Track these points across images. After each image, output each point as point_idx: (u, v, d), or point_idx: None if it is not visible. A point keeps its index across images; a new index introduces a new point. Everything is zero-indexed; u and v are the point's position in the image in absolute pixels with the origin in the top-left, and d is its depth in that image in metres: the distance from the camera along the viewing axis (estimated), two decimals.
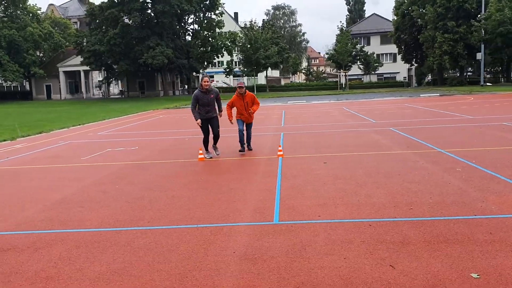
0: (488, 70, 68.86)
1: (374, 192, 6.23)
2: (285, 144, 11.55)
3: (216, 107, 9.78)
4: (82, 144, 13.68)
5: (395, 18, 63.87)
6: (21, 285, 3.83)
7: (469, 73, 67.84)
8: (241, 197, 6.40)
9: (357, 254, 4.12)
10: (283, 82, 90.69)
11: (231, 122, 10.34)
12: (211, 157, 9.75)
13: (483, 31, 44.23)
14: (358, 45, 65.45)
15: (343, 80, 77.70)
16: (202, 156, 9.82)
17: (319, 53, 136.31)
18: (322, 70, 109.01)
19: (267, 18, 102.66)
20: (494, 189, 6.14)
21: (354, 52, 63.24)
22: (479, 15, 45.96)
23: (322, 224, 5.02)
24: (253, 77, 75.46)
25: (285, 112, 23.78)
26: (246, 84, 10.95)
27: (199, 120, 9.47)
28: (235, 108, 10.28)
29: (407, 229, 4.72)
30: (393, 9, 65.93)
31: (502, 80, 61.23)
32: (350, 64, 63.03)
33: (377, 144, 10.85)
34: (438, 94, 34.98)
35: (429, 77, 76.02)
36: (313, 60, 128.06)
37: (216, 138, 9.95)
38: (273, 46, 62.31)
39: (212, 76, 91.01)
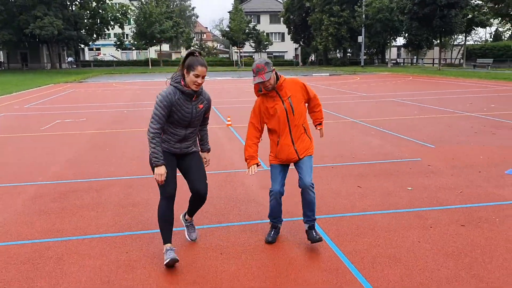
0: (365, 52, 76.08)
1: (328, 148, 8.44)
2: (225, 116, 13.35)
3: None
4: (20, 117, 14.13)
5: (285, 0, 67.55)
6: (110, 209, 5.32)
7: (348, 54, 74.21)
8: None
9: (337, 182, 6.22)
10: (174, 56, 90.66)
11: (252, 172, 4.08)
12: (173, 260, 3.83)
13: (364, 16, 49.24)
14: (251, 24, 68.06)
15: (234, 57, 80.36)
16: None
17: (206, 28, 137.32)
18: (214, 46, 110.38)
19: None
20: (403, 144, 8.68)
21: (247, 30, 65.84)
22: (360, 1, 50.97)
23: None
24: (144, 51, 74.89)
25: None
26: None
27: (162, 169, 3.77)
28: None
29: (359, 167, 6.96)
30: None
31: (377, 62, 68.35)
32: (244, 41, 65.52)
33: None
34: (328, 74, 38.86)
35: (313, 57, 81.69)
36: (201, 35, 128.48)
37: (199, 201, 4.14)
38: (168, 21, 62.41)
39: (99, 49, 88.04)
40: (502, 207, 5.11)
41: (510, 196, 5.48)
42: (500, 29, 62.94)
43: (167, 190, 3.83)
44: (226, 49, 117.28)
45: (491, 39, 64.48)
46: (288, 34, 70.22)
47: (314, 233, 4.06)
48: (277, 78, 3.98)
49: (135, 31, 62.49)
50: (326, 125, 11.18)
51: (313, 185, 3.99)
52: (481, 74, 31.71)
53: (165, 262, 3.75)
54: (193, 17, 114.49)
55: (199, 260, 3.97)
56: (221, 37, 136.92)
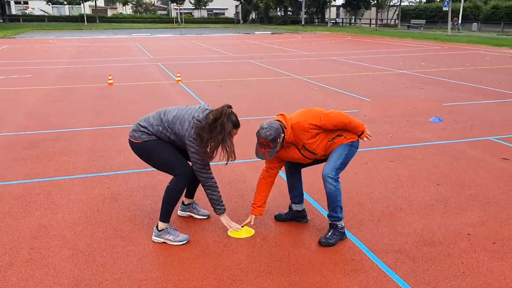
0: (305, 11, 76.85)
1: (275, 102, 9.17)
2: (174, 73, 13.72)
3: None
4: None
5: None
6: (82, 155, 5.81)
7: (289, 13, 74.70)
8: None
9: None
10: (110, 12, 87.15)
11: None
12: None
13: None
14: None
15: (173, 14, 78.52)
16: (111, 81, 11.49)
17: None
18: (152, 2, 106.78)
19: None
20: (342, 98, 9.58)
21: None
22: None
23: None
24: (77, 6, 71.48)
25: (141, 45, 25.12)
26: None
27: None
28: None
29: None
30: None
31: (316, 21, 69.44)
32: None
33: (252, 73, 13.78)
34: (270, 32, 39.34)
35: (253, 15, 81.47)
36: None
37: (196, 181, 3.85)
38: None
39: (26, 2, 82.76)
40: (425, 147, 6.10)
41: (431, 138, 6.50)
42: None
43: (186, 169, 3.55)
44: (164, 6, 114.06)
45: (425, 0, 67.12)
46: None
47: (327, 234, 3.57)
48: (283, 132, 3.40)
49: None
50: (272, 81, 11.94)
51: (333, 177, 3.46)
52: (414, 35, 33.46)
53: (184, 242, 3.56)
54: None
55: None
56: None
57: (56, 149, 6.05)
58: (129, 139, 3.63)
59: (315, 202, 4.34)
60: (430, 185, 4.73)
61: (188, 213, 4.07)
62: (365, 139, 3.56)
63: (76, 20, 63.92)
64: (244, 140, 6.48)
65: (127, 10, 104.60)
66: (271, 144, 3.33)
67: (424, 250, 3.43)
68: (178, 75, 12.11)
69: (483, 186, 4.71)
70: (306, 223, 3.94)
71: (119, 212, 4.14)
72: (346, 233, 3.64)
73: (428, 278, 3.07)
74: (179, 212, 4.08)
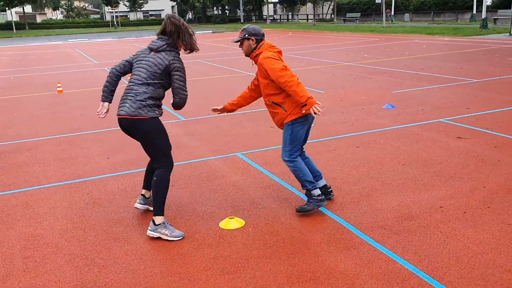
0: (242, 8, 77.27)
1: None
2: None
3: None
4: None
5: None
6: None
7: (226, 11, 74.81)
8: None
9: (249, 125, 7.15)
10: (39, 18, 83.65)
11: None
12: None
13: None
14: None
15: (108, 18, 76.53)
16: (60, 88, 11.18)
17: None
18: (83, 6, 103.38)
19: None
20: None
21: None
22: None
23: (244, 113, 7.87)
24: (2, 13, 68.10)
25: (81, 50, 24.42)
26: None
27: None
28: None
29: (265, 112, 7.95)
30: None
31: (254, 18, 70.02)
32: (118, 0, 62.67)
33: (205, 72, 13.80)
34: (211, 31, 39.31)
35: (190, 15, 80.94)
36: None
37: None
38: None
39: None
40: (384, 132, 6.47)
41: (388, 124, 6.89)
42: None
43: (172, 160, 3.83)
44: (97, 9, 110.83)
45: None
46: None
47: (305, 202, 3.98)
48: (255, 48, 3.88)
49: None
50: (224, 79, 12.05)
51: (287, 159, 3.90)
52: (351, 28, 34.62)
53: (180, 238, 3.63)
54: None
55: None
56: None
57: (20, 160, 5.90)
58: (131, 118, 3.52)
59: (290, 187, 4.54)
60: (397, 166, 5.07)
61: (147, 206, 4.11)
62: (312, 113, 3.69)
63: (3, 28, 60.83)
64: (215, 137, 6.61)
65: (57, 15, 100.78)
66: (241, 32, 3.92)
67: (405, 224, 3.71)
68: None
69: (445, 163, 5.10)
70: (330, 199, 4.22)
71: (106, 216, 4.15)
72: (323, 199, 3.98)
73: (414, 248, 3.34)
74: (137, 205, 4.08)
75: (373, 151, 5.65)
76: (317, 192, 3.93)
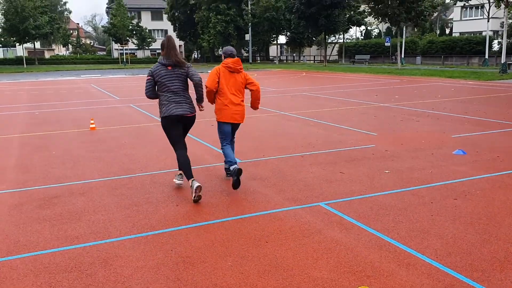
0: (247, 49, 77.94)
1: (282, 139, 8.78)
2: (155, 114, 13.04)
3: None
4: None
5: None
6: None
7: None
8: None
9: (318, 170, 6.59)
10: (47, 54, 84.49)
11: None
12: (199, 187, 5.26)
13: (250, 16, 50.60)
14: (135, 20, 66.06)
15: (115, 55, 77.32)
16: (93, 125, 10.68)
17: (78, 24, 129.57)
18: (91, 42, 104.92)
19: None
20: (346, 133, 9.36)
21: (130, 27, 63.72)
22: (246, 0, 52.28)
23: (280, 158, 7.32)
24: (12, 48, 68.73)
25: (98, 86, 24.13)
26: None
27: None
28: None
29: (325, 156, 7.41)
30: None
31: (259, 59, 70.59)
32: (127, 38, 63.31)
33: None
34: None
35: (195, 54, 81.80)
36: (77, 32, 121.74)
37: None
38: (43, 16, 57.96)
39: None
40: (473, 181, 5.90)
41: (471, 172, 6.33)
42: (369, 28, 68.84)
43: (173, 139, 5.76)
44: (102, 46, 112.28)
45: (362, 37, 70.24)
46: (174, 31, 69.33)
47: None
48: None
49: (4, 26, 56.92)
50: (263, 118, 11.50)
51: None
52: (365, 69, 34.63)
53: (178, 182, 5.94)
54: (66, 13, 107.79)
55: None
56: (93, 34, 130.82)
57: (79, 206, 5.29)
58: (189, 116, 5.61)
59: (406, 247, 3.92)
60: None
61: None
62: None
63: (12, 63, 61.17)
64: (284, 183, 6.03)
65: (62, 51, 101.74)
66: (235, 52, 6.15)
67: None
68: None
69: None
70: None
71: (205, 279, 3.52)
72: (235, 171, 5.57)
73: None
74: (178, 182, 5.98)
75: (477, 204, 5.06)
76: (235, 167, 5.67)
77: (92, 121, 10.76)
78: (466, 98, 15.18)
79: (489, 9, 33.58)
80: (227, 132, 6.01)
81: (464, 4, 33.87)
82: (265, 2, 46.08)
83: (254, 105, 6.32)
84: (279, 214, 4.91)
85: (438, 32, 63.15)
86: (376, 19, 32.16)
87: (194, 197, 5.23)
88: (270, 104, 14.53)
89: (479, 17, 53.99)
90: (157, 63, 5.53)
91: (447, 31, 64.00)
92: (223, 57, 5.97)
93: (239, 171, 5.55)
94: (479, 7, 51.88)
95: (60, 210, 5.17)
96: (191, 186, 5.29)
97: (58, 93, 20.44)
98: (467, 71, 28.48)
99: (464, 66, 38.62)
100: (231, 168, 5.66)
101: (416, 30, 52.91)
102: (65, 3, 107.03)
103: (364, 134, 9.21)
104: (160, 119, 5.66)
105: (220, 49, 75.86)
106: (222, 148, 6.01)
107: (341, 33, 50.25)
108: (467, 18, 55.62)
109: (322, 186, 5.86)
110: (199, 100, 5.73)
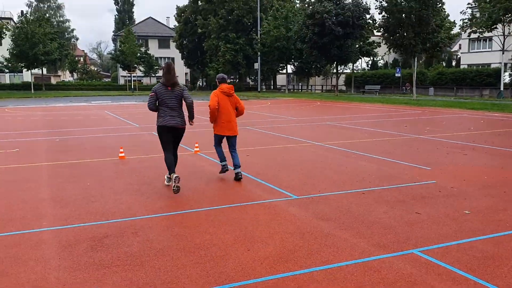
0: (253, 78, 77.86)
1: (330, 172, 8.18)
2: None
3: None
4: None
5: (178, 25, 67.13)
6: None
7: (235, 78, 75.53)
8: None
9: (387, 209, 5.96)
10: (54, 80, 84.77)
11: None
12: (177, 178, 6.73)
13: (259, 44, 50.68)
14: (143, 48, 66.34)
15: (121, 81, 77.50)
16: (123, 154, 10.10)
17: (83, 50, 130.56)
18: (96, 69, 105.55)
19: (30, 10, 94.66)
20: (396, 167, 8.76)
21: (138, 54, 63.90)
22: (256, 29, 52.50)
23: (356, 193, 6.71)
24: (19, 74, 68.86)
25: (112, 113, 23.67)
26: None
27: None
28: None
29: (386, 193, 6.79)
30: (175, 16, 69.17)
31: (265, 88, 70.46)
32: (135, 65, 63.41)
33: (263, 141, 12.79)
34: None
35: (200, 82, 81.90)
36: (84, 58, 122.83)
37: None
38: (53, 42, 58.18)
39: None
40: None
41: None
42: (375, 59, 68.96)
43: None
44: (107, 73, 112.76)
45: (368, 68, 70.37)
46: (182, 59, 69.59)
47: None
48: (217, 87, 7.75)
49: (13, 52, 57.02)
50: (299, 148, 10.87)
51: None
52: (378, 99, 34.28)
53: (174, 185, 6.68)
54: (73, 39, 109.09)
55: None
56: (98, 61, 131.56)
57: (135, 249, 4.66)
58: (180, 127, 7.01)
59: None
60: None
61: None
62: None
63: (19, 88, 61.08)
64: (360, 225, 5.39)
65: (67, 77, 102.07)
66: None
67: None
68: (197, 145, 10.88)
69: None
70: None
71: None
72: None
73: None
74: (168, 183, 7.27)
75: None
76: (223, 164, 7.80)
77: (121, 150, 10.18)
78: (502, 130, 14.65)
79: (504, 41, 33.47)
80: (221, 140, 7.79)
81: (478, 36, 33.67)
82: (276, 32, 46.14)
83: (237, 116, 7.87)
84: (372, 264, 4.27)
85: (444, 64, 63.24)
86: (389, 50, 31.90)
87: (173, 187, 6.65)
88: (299, 134, 13.98)
89: (487, 49, 54.23)
90: (159, 83, 6.99)
91: (453, 62, 64.19)
92: (217, 83, 7.64)
93: (226, 170, 7.84)
94: (487, 39, 52.37)
95: (116, 254, 4.54)
96: (172, 178, 6.75)
97: (74, 119, 19.94)
98: (487, 103, 28.08)
99: (478, 98, 38.33)
100: (222, 164, 7.81)
101: (434, 60, 52.77)
102: (72, 30, 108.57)
103: (417, 168, 8.61)
104: (156, 127, 7.04)
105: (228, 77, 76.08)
106: (215, 148, 7.90)
107: (349, 63, 50.16)
108: (475, 50, 55.80)
109: (404, 229, 5.23)
110: (191, 117, 7.20)
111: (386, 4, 30.55)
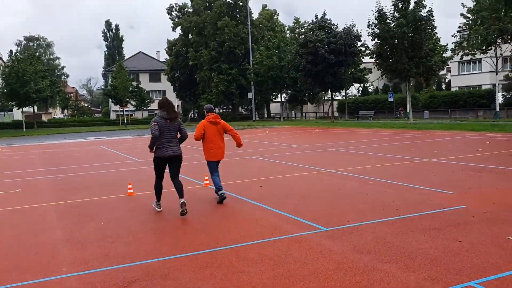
0: (248, 107, 77.82)
1: (355, 201, 7.87)
2: (194, 176, 12.15)
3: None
4: None
5: (169, 58, 67.53)
6: None
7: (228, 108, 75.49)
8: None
9: (424, 239, 5.64)
10: (45, 117, 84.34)
11: None
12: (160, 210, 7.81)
13: (252, 74, 50.92)
14: (134, 82, 66.45)
15: (113, 116, 77.33)
16: (131, 190, 9.74)
17: (73, 87, 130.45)
18: (87, 105, 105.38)
19: (19, 49, 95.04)
20: (419, 192, 8.48)
21: (130, 88, 63.89)
22: (248, 60, 52.85)
23: (377, 223, 6.39)
24: (9, 113, 68.47)
25: (109, 148, 23.30)
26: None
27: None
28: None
29: (418, 220, 6.48)
30: (165, 49, 69.65)
31: (258, 117, 70.55)
32: (127, 100, 63.30)
33: (275, 170, 12.48)
34: None
35: (192, 113, 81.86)
36: (76, 95, 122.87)
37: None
38: (45, 79, 58.07)
39: None
40: None
41: None
42: (366, 85, 69.52)
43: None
44: (97, 108, 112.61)
45: (359, 94, 70.87)
46: (174, 91, 69.70)
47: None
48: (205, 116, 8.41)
49: (3, 91, 56.67)
50: (313, 176, 10.55)
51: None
52: (375, 124, 34.29)
53: (159, 210, 7.75)
54: (63, 77, 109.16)
55: None
56: (88, 97, 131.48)
57: None
58: (179, 155, 7.63)
59: None
60: None
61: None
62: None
63: (10, 127, 60.50)
64: (401, 256, 5.06)
65: (58, 114, 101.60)
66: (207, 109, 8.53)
67: None
68: (207, 178, 10.53)
69: None
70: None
71: None
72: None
73: None
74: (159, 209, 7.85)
75: None
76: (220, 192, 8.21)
77: (130, 186, 9.81)
78: (508, 152, 14.48)
79: (496, 62, 33.86)
80: (214, 167, 8.37)
81: (471, 58, 34.06)
82: (269, 61, 46.44)
83: (238, 141, 8.66)
84: None
85: (434, 87, 63.88)
86: (382, 76, 32.10)
87: (182, 211, 7.27)
88: (308, 161, 13.69)
89: (477, 71, 55.01)
90: (158, 116, 7.46)
91: (443, 86, 64.89)
92: (205, 113, 8.37)
93: (224, 198, 8.22)
94: (476, 62, 53.13)
95: None
96: (180, 203, 7.33)
97: (72, 156, 19.54)
98: (486, 124, 28.12)
99: (474, 119, 38.51)
100: (219, 193, 8.20)
101: (424, 84, 53.27)
102: (63, 67, 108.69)
103: (441, 193, 8.33)
104: (153, 157, 7.63)
105: (221, 108, 76.17)
106: (212, 177, 8.37)
107: (341, 90, 50.44)
108: (465, 72, 56.56)
109: (451, 259, 4.91)
110: (180, 143, 7.76)
111: (378, 31, 30.85)
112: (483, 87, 50.81)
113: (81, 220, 7.53)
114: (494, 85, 52.26)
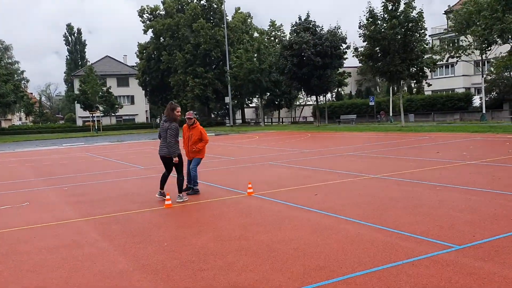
0: (217, 112, 76.27)
1: (439, 212, 6.81)
2: (226, 184, 10.81)
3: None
4: None
5: (140, 62, 65.36)
6: None
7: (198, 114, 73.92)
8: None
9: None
10: (4, 124, 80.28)
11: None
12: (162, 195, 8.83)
13: (228, 77, 49.62)
14: (105, 87, 63.95)
15: (79, 122, 74.39)
16: (169, 202, 8.37)
17: (31, 93, 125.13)
18: (50, 112, 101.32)
19: None
20: (496, 198, 7.52)
21: (100, 93, 61.40)
22: (224, 63, 51.55)
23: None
24: None
25: (97, 155, 21.55)
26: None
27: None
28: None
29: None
30: (136, 53, 67.45)
31: (232, 122, 69.27)
32: (97, 105, 60.81)
33: (319, 177, 11.31)
34: (214, 134, 37.43)
35: (159, 119, 79.70)
36: (40, 101, 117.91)
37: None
38: (8, 83, 54.92)
39: None
40: None
41: None
42: (339, 90, 69.43)
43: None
44: (59, 115, 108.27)
45: (333, 99, 70.67)
46: (145, 96, 67.56)
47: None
48: (194, 121, 9.44)
49: None
50: (365, 182, 9.41)
51: (195, 170, 9.40)
52: (368, 128, 33.73)
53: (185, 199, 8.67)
54: (23, 82, 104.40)
55: None
56: (48, 103, 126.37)
57: None
58: (164, 156, 8.58)
59: None
60: None
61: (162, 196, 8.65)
62: None
63: None
64: None
65: (17, 121, 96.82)
66: (191, 115, 9.48)
67: None
68: (250, 185, 9.25)
69: None
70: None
71: None
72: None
73: None
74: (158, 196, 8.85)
75: None
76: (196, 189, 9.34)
77: (168, 197, 8.40)
78: None
79: (482, 64, 33.97)
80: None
81: (457, 61, 34.04)
82: (249, 64, 45.29)
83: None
84: None
85: (405, 90, 64.34)
86: (376, 78, 31.55)
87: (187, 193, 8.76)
88: (338, 166, 12.57)
89: (450, 75, 55.71)
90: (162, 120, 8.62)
91: (413, 90, 65.46)
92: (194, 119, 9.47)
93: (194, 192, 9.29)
94: (449, 66, 53.79)
95: None
96: (161, 193, 8.74)
97: (62, 164, 17.72)
98: (480, 126, 27.94)
99: (459, 122, 38.61)
100: (195, 188, 9.39)
101: (399, 87, 53.38)
102: (22, 71, 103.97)
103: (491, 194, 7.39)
104: None
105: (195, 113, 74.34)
106: (197, 172, 9.45)
107: (326, 93, 49.76)
108: (438, 76, 57.13)
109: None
110: (168, 146, 8.52)
111: (368, 33, 30.28)
112: (456, 91, 51.44)
113: (133, 240, 6.12)
114: (468, 88, 53.14)
